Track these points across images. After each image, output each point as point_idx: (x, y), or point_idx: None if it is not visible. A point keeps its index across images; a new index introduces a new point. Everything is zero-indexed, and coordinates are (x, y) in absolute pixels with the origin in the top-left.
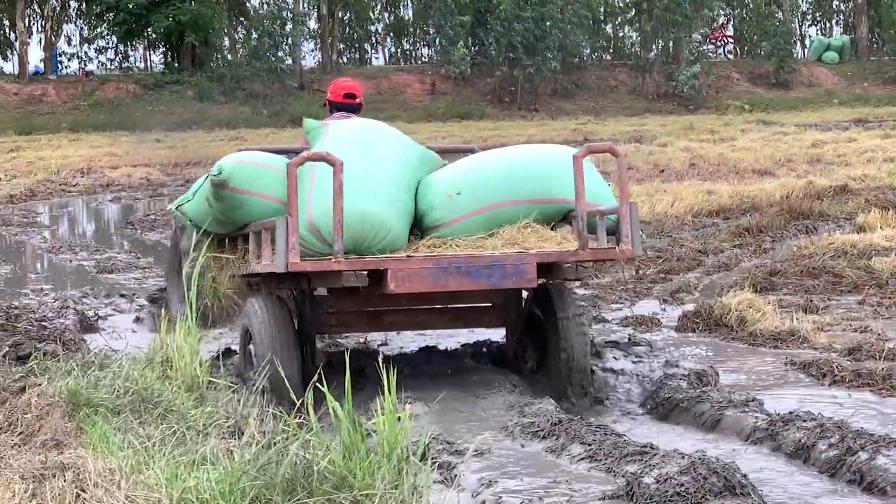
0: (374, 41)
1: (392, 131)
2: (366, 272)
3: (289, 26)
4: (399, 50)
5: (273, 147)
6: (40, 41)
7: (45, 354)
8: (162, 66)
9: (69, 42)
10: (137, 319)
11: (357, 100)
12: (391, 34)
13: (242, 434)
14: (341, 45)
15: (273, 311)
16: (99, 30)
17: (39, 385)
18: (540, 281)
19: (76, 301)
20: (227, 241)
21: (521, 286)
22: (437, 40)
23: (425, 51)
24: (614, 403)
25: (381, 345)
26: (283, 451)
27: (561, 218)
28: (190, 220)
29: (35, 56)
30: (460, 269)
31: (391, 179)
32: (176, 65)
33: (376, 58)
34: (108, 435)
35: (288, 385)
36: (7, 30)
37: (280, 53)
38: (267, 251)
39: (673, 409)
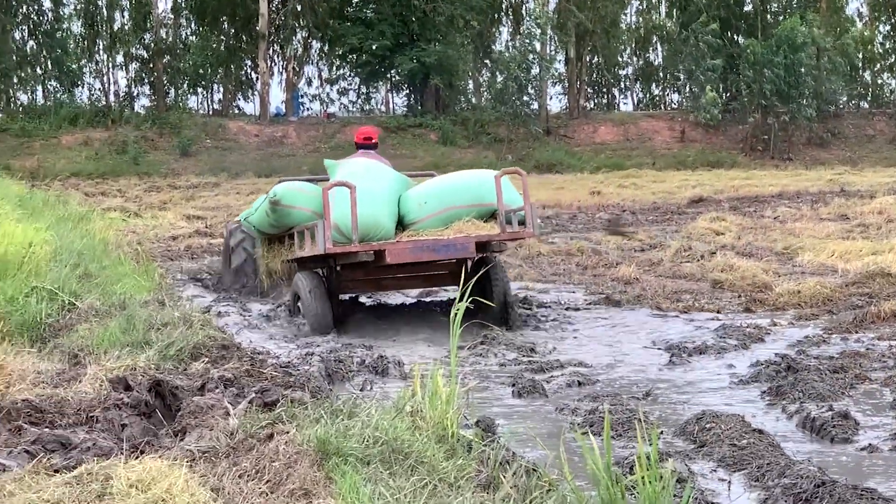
0: (622, 86)
1: (382, 166)
2: (372, 251)
3: (535, 70)
4: (647, 95)
5: (303, 177)
6: (281, 82)
7: (292, 401)
8: (405, 109)
9: (310, 83)
10: (382, 371)
11: (373, 140)
12: (640, 79)
13: (494, 487)
14: (589, 90)
15: (312, 279)
16: (341, 71)
17: (287, 433)
18: (479, 255)
19: (321, 347)
20: (272, 241)
21: (466, 256)
22: (688, 86)
23: (675, 97)
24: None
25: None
26: None
27: (490, 215)
28: (254, 226)
29: (276, 97)
30: (429, 247)
31: (382, 195)
32: (419, 107)
33: (624, 103)
34: (359, 485)
35: (322, 322)
36: (249, 70)
37: (525, 97)
38: (308, 243)
39: None
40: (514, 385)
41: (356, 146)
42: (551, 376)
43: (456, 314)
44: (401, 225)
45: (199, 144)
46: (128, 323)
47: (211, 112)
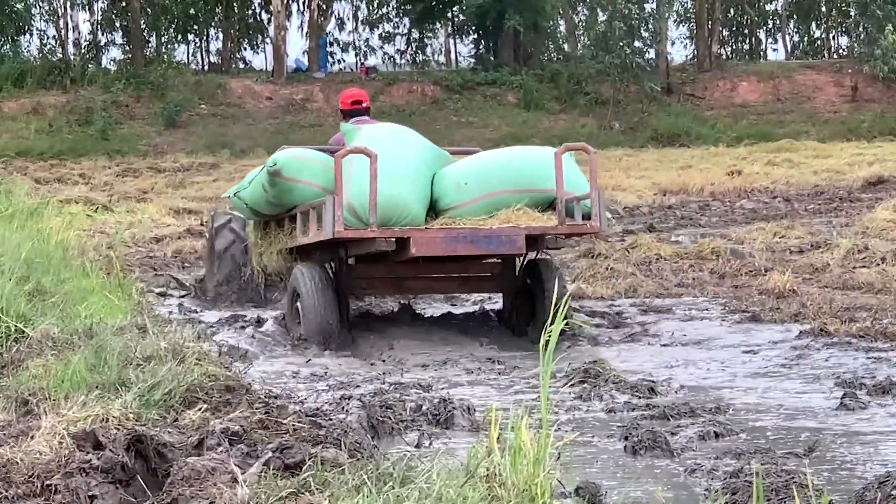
0: (771, 27)
1: (413, 133)
2: (394, 239)
3: (650, 5)
4: (806, 39)
5: (312, 146)
6: (302, 26)
7: (322, 462)
8: (472, 61)
9: (342, 27)
10: (445, 421)
11: (364, 104)
12: (795, 17)
13: None
14: (724, 32)
15: (316, 272)
16: (385, 10)
17: None
18: (530, 255)
19: (362, 388)
20: (267, 225)
21: (513, 252)
22: (860, 25)
23: (843, 41)
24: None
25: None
26: None
27: (548, 205)
28: (246, 204)
29: (296, 46)
30: (466, 238)
31: (412, 171)
32: (492, 58)
33: (774, 49)
34: None
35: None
36: (258, 10)
37: (638, 43)
38: (314, 226)
39: None
40: (626, 438)
41: (342, 114)
42: (678, 425)
43: (548, 341)
44: (433, 210)
45: (191, 111)
46: (97, 357)
47: (207, 67)
